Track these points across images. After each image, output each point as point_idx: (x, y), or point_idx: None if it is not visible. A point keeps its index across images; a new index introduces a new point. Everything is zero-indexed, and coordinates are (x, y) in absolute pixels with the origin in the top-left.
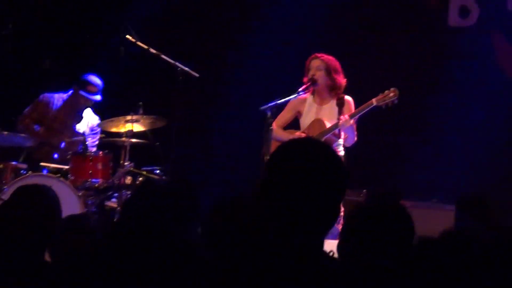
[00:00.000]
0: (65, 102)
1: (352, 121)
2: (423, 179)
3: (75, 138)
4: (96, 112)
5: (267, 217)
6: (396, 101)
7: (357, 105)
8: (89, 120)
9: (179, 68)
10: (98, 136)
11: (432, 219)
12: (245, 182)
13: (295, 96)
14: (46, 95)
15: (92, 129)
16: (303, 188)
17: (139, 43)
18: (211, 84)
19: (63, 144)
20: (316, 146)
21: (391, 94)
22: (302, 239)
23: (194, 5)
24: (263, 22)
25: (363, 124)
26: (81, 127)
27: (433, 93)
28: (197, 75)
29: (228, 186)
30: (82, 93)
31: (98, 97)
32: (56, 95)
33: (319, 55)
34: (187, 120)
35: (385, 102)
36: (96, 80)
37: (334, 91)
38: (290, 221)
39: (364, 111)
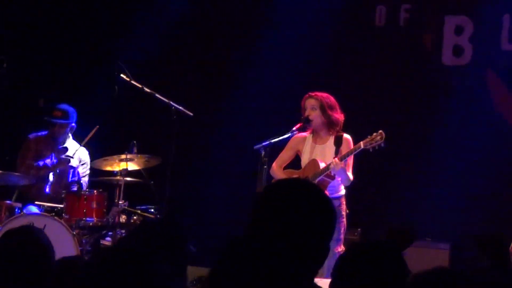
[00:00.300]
0: (47, 135)
1: (342, 164)
2: (416, 218)
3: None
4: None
5: (256, 257)
6: (382, 145)
7: (355, 142)
8: (75, 152)
9: (173, 107)
10: (88, 167)
11: (426, 258)
12: (240, 222)
13: (290, 136)
14: (32, 134)
15: (80, 160)
16: (290, 228)
17: (133, 81)
18: (205, 124)
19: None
20: (303, 186)
21: (378, 138)
22: (290, 279)
23: (188, 43)
24: (258, 60)
25: (358, 162)
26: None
27: (428, 131)
28: (191, 114)
29: (223, 225)
30: (46, 118)
31: (65, 122)
32: (40, 133)
33: (312, 93)
34: (181, 159)
35: (372, 145)
36: (61, 106)
37: (332, 128)
38: (277, 261)
39: (353, 154)
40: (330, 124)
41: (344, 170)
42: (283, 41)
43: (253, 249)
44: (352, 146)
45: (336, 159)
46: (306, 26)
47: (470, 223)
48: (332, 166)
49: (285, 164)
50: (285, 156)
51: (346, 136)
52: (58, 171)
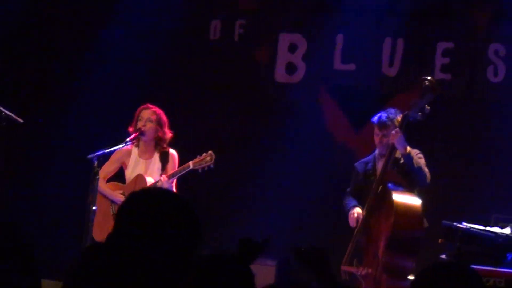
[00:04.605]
0: None
1: (170, 182)
2: (242, 235)
3: None
4: None
5: (119, 267)
6: (212, 166)
7: (185, 159)
8: None
9: (3, 113)
10: None
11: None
12: (70, 233)
13: (123, 146)
14: None
15: None
16: (154, 238)
17: None
18: (37, 131)
19: None
20: (167, 196)
21: (208, 158)
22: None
23: (18, 49)
24: (92, 71)
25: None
26: None
27: (258, 147)
28: (21, 121)
29: (53, 238)
30: None
31: None
32: None
33: (151, 106)
34: (11, 167)
35: (201, 166)
36: None
37: (160, 144)
38: (142, 272)
39: (181, 174)
40: (160, 140)
41: (172, 187)
42: (117, 51)
43: (114, 259)
44: (177, 162)
45: (164, 176)
46: (139, 37)
47: (298, 240)
48: (159, 184)
49: (108, 176)
50: (108, 168)
51: (172, 151)
52: None
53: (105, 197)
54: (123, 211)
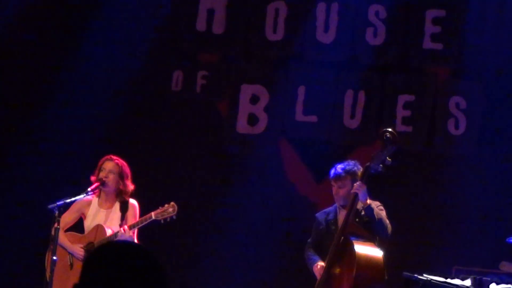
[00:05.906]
0: None
1: (131, 232)
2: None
3: None
4: None
5: None
6: (174, 217)
7: (142, 211)
8: None
9: None
10: None
11: None
12: (29, 283)
13: (84, 196)
14: None
15: None
16: None
17: None
18: None
19: None
20: (132, 249)
21: (170, 209)
22: None
23: None
24: (52, 117)
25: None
26: None
27: (220, 199)
28: None
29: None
30: None
31: None
32: None
33: (114, 157)
34: None
35: (163, 216)
36: None
37: (121, 195)
38: None
39: (143, 224)
40: (121, 192)
41: (132, 238)
42: (79, 100)
43: None
44: (137, 212)
45: (125, 227)
46: (101, 86)
47: None
48: (120, 234)
49: (67, 227)
50: (68, 219)
51: (132, 201)
52: None
53: (63, 248)
54: (89, 264)
